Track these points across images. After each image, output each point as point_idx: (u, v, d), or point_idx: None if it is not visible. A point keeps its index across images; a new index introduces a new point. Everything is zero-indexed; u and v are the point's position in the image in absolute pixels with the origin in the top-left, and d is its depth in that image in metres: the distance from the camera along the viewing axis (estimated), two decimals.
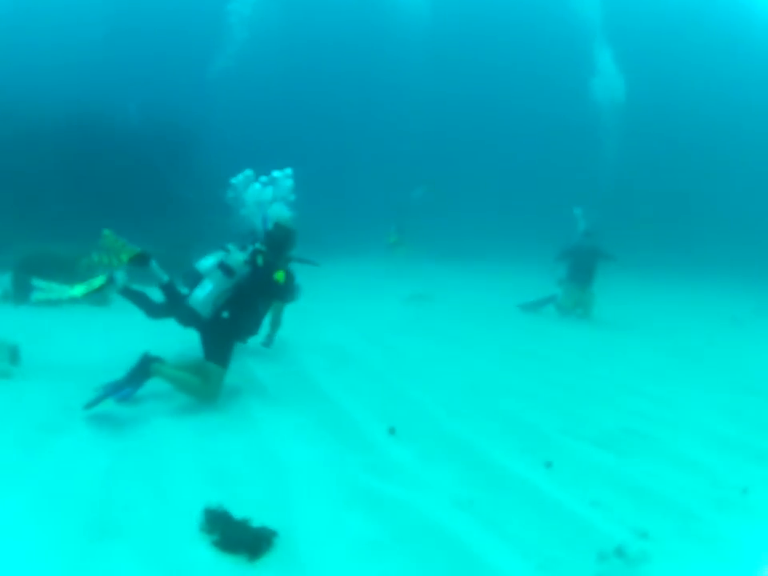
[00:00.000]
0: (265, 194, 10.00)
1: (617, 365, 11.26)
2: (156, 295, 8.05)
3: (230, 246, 7.91)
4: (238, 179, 10.26)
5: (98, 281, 7.50)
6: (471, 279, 22.82)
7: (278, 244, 8.09)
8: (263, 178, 10.29)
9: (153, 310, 8.00)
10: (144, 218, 17.08)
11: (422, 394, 8.58)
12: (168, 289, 7.86)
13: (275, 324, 8.87)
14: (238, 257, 7.59)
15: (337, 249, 23.84)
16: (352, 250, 25.48)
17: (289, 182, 10.30)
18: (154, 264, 7.86)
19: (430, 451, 6.68)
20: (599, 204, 18.24)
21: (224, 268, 7.44)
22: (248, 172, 10.31)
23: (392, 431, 6.98)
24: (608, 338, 13.87)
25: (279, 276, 7.62)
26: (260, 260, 7.61)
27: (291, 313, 9.62)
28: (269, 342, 8.73)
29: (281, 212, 9.51)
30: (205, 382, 7.24)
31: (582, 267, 15.84)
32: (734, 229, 33.23)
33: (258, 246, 7.83)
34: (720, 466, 6.90)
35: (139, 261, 7.87)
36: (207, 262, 7.66)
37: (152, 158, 21.14)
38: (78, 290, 7.53)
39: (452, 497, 5.69)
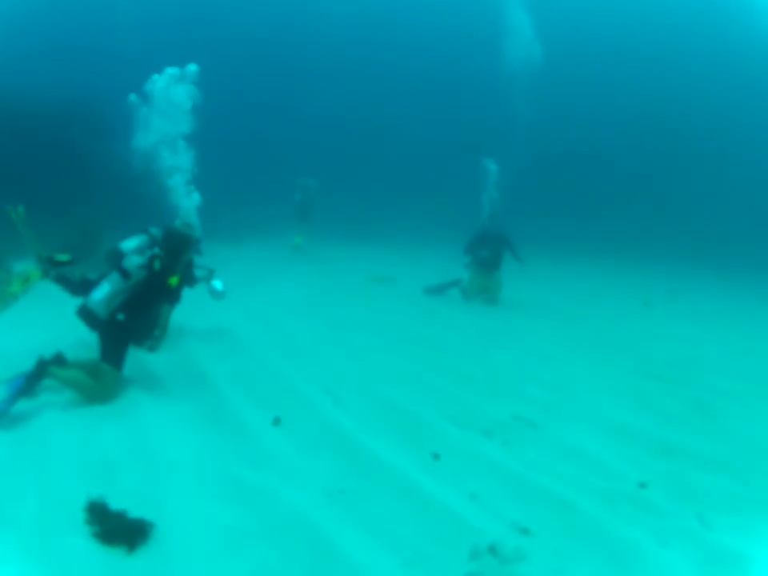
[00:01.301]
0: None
1: (516, 351, 11.10)
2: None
3: (152, 230, 8.07)
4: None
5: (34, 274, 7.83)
6: (378, 262, 22.62)
7: (174, 249, 8.06)
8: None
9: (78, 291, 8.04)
10: (57, 201, 16.46)
11: (310, 381, 8.49)
12: (83, 284, 7.98)
13: (162, 329, 8.65)
14: (135, 260, 7.69)
15: (245, 231, 24.06)
16: (260, 232, 25.18)
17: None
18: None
19: (309, 441, 6.62)
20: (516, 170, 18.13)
21: (121, 271, 7.60)
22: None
23: (277, 421, 7.05)
24: (511, 323, 13.72)
25: (173, 281, 7.76)
26: (157, 264, 7.68)
27: (190, 296, 9.45)
28: (154, 345, 8.53)
29: (184, 216, 9.93)
30: (98, 383, 7.31)
31: (487, 251, 15.67)
32: (650, 210, 33.74)
33: (156, 250, 7.84)
34: (615, 459, 6.75)
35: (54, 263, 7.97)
36: (131, 243, 7.84)
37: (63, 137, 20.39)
38: (15, 286, 7.79)
39: (324, 488, 5.65)
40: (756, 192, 35.17)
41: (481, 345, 11.32)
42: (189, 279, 10.16)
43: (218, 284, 11.04)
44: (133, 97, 11.53)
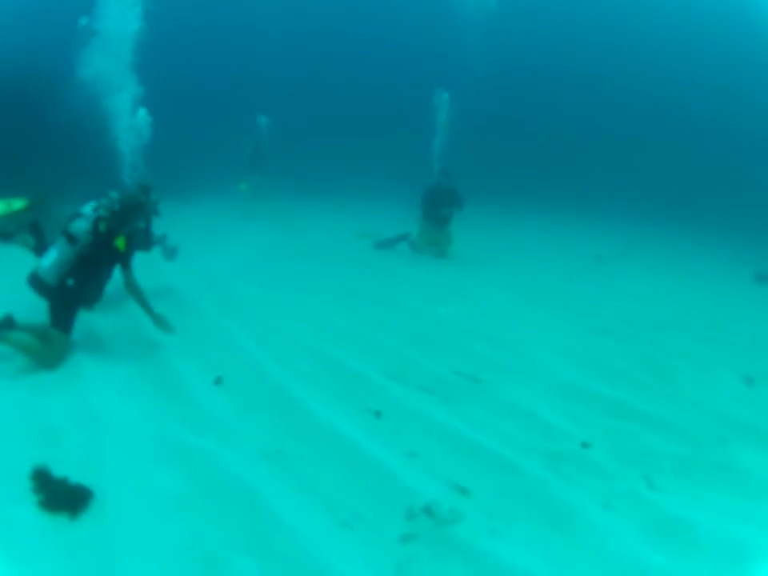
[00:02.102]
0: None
1: (462, 306, 11.05)
2: None
3: (112, 194, 8.07)
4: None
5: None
6: (329, 217, 22.44)
7: (124, 211, 8.04)
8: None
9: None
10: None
11: (253, 342, 8.52)
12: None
13: (145, 307, 8.42)
14: (80, 224, 7.66)
15: (194, 190, 23.42)
16: (211, 191, 24.85)
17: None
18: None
19: (250, 401, 6.66)
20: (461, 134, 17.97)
21: (67, 236, 7.56)
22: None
23: (218, 381, 7.12)
24: (460, 277, 13.68)
25: (119, 243, 7.69)
26: (102, 227, 7.67)
27: (139, 256, 9.11)
28: (160, 324, 8.28)
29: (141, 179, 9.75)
30: (48, 348, 7.33)
31: (438, 205, 15.76)
32: (607, 166, 33.80)
33: (101, 212, 7.82)
34: (559, 418, 6.70)
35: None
36: (89, 207, 7.87)
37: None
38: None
39: (262, 449, 5.68)
40: (710, 149, 35.41)
41: (427, 300, 11.29)
42: (146, 242, 10.42)
43: (170, 244, 11.19)
44: (83, 20, 11.36)
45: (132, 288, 7.80)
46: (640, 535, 4.78)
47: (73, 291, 7.50)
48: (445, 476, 5.35)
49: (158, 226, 10.70)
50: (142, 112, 10.94)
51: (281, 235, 17.80)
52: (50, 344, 7.35)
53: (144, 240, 10.28)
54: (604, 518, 4.96)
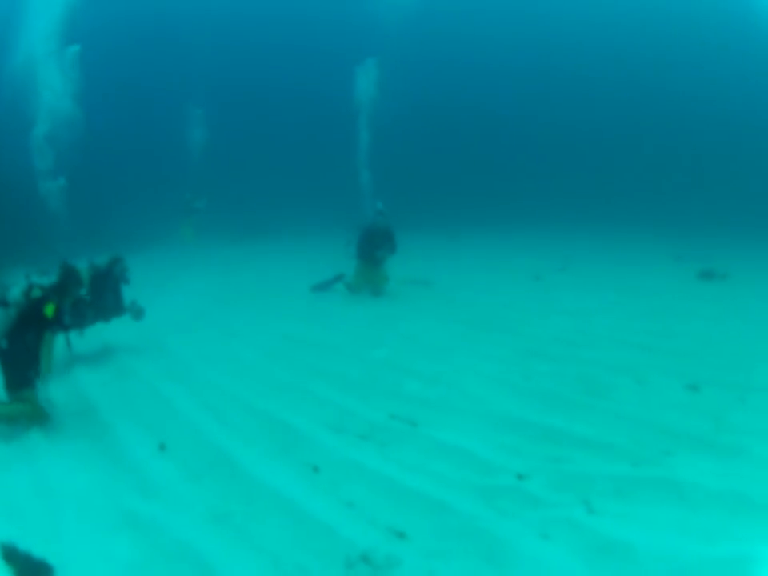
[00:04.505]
0: None
1: (397, 345, 11.29)
2: None
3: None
4: None
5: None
6: (266, 261, 22.70)
7: (59, 284, 8.57)
8: None
9: None
10: None
11: (193, 401, 8.82)
12: None
13: (46, 361, 8.64)
14: (15, 290, 8.04)
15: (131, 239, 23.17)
16: (149, 239, 24.89)
17: None
18: None
19: (194, 465, 6.91)
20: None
21: (1, 300, 7.91)
22: None
23: (162, 447, 7.42)
24: (396, 314, 13.90)
25: (48, 310, 8.01)
26: (35, 293, 8.05)
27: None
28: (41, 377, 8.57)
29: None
30: (30, 406, 7.90)
31: (373, 246, 16.06)
32: (539, 179, 34.33)
33: (35, 278, 8.28)
34: (494, 451, 6.92)
35: None
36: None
37: None
38: None
39: (210, 512, 5.94)
40: (649, 157, 36.16)
41: (362, 343, 11.56)
42: (118, 309, 11.54)
43: (137, 307, 11.71)
44: None
45: (46, 345, 8.03)
46: (579, 561, 4.97)
47: (6, 352, 7.80)
48: (382, 522, 5.57)
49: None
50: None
51: (218, 284, 18.16)
52: (28, 402, 7.87)
53: (116, 307, 11.44)
54: (542, 547, 5.15)
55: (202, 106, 33.72)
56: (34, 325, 8.01)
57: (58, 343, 8.49)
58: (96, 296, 10.97)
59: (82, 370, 10.30)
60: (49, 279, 8.44)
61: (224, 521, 5.77)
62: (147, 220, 25.78)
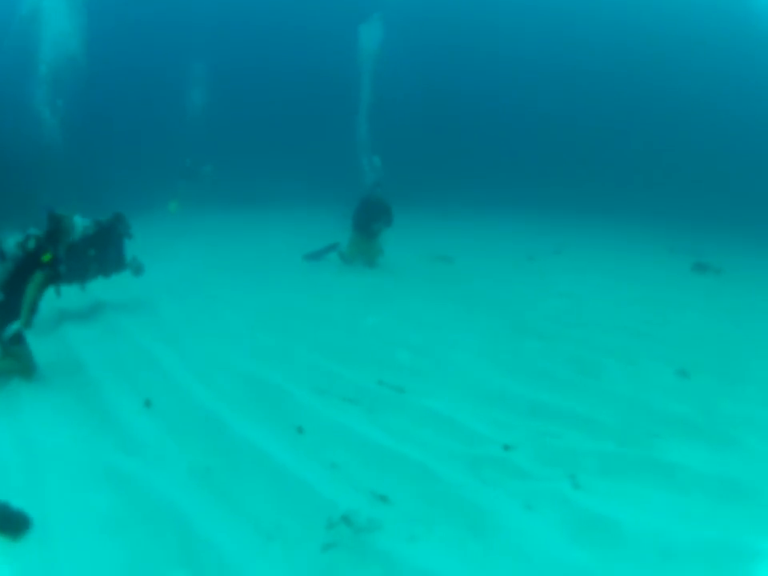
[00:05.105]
0: None
1: (389, 316, 11.25)
2: None
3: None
4: None
5: None
6: (260, 230, 22.57)
7: (51, 233, 8.65)
8: None
9: None
10: None
11: (180, 362, 8.74)
12: None
13: (33, 305, 8.63)
14: (11, 241, 8.13)
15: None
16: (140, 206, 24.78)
17: None
18: None
19: (178, 423, 6.91)
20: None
21: None
22: None
23: (147, 404, 7.43)
24: (388, 287, 13.85)
25: (45, 257, 8.11)
26: (31, 244, 8.13)
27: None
28: (27, 323, 8.49)
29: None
30: (19, 362, 7.99)
31: (370, 218, 16.07)
32: (539, 167, 34.24)
33: (32, 230, 8.35)
34: (482, 423, 6.89)
35: None
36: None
37: None
38: None
39: (191, 468, 5.93)
40: (643, 142, 36.13)
41: (353, 312, 11.51)
42: (119, 264, 11.57)
43: (137, 263, 11.76)
44: None
45: (33, 286, 7.99)
46: (563, 535, 4.93)
47: (2, 304, 7.82)
48: (365, 486, 5.53)
49: None
50: None
51: (211, 251, 18.03)
52: (18, 358, 7.95)
53: (117, 262, 11.49)
54: (526, 519, 5.11)
55: (202, 59, 33.41)
56: (31, 274, 7.99)
57: (48, 298, 8.50)
58: (100, 251, 10.97)
59: (71, 327, 10.27)
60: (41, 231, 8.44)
61: (205, 478, 5.76)
62: (142, 184, 25.63)
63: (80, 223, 10.03)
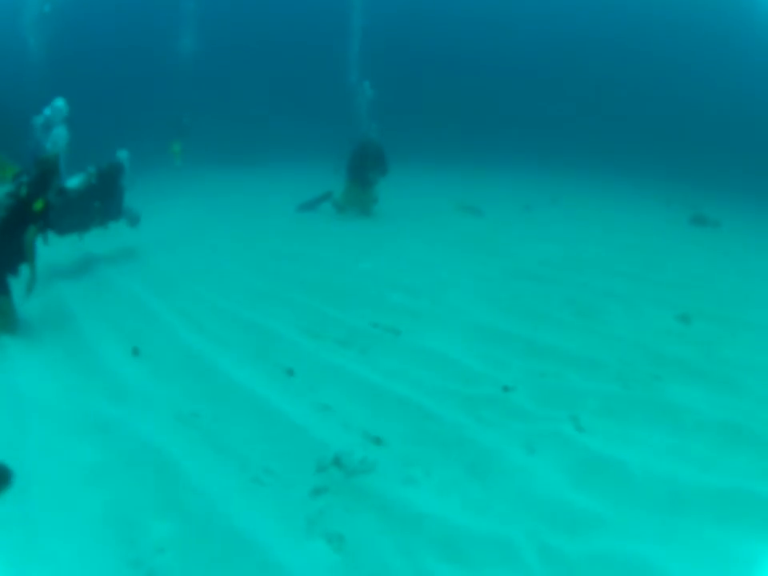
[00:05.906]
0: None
1: (383, 259, 11.16)
2: None
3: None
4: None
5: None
6: (254, 184, 22.35)
7: (40, 177, 8.35)
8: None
9: None
10: None
11: (168, 309, 8.70)
12: None
13: (30, 261, 8.44)
14: (3, 189, 8.06)
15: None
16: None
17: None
18: None
19: (166, 368, 6.80)
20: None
21: None
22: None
23: (135, 351, 7.31)
24: (383, 233, 13.83)
25: (38, 205, 7.99)
26: (23, 191, 8.00)
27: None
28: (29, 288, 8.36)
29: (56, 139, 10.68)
30: (2, 316, 7.83)
31: (365, 168, 15.85)
32: (538, 120, 34.04)
33: (24, 178, 8.20)
34: (480, 362, 6.70)
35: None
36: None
37: None
38: None
39: (177, 413, 5.78)
40: (640, 98, 35.99)
41: (348, 256, 11.43)
42: (116, 213, 11.50)
43: (133, 212, 12.01)
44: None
45: (28, 244, 7.87)
46: (566, 476, 4.76)
47: None
48: (359, 427, 5.36)
49: None
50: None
51: (205, 205, 17.89)
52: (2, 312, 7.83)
53: (114, 210, 11.40)
54: (527, 460, 4.95)
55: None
56: (24, 224, 7.92)
57: (40, 252, 8.27)
58: (104, 202, 10.97)
59: (62, 281, 10.10)
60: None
61: (191, 422, 5.62)
62: (135, 138, 25.37)
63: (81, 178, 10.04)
